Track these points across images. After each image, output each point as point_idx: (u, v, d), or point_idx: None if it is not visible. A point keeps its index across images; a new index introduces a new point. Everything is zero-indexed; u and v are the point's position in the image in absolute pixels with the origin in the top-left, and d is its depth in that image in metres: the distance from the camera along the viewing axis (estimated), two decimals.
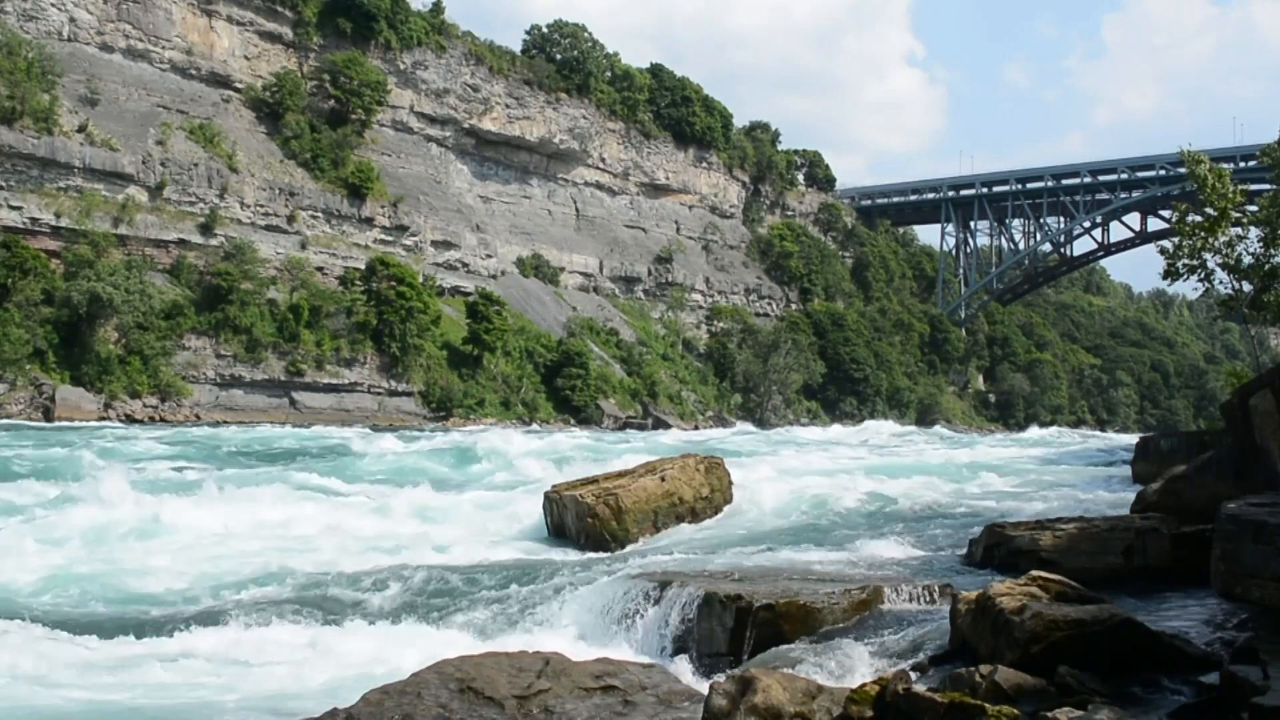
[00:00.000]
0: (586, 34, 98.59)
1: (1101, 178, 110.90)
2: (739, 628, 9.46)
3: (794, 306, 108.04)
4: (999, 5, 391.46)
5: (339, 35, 78.23)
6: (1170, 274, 27.84)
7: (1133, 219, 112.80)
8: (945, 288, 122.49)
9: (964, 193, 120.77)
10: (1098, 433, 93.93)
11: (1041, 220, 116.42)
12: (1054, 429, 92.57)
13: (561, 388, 76.77)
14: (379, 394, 67.88)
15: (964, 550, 12.83)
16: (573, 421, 74.52)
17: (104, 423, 49.52)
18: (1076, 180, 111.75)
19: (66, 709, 8.36)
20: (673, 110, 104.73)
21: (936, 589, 10.24)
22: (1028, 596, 7.70)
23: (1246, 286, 27.55)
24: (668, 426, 74.53)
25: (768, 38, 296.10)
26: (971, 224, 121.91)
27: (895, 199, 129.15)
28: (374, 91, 76.86)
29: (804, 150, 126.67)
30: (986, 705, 6.12)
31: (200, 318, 60.73)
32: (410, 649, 9.96)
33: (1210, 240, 26.60)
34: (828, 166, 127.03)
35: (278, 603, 11.94)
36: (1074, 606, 7.53)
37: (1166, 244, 29.23)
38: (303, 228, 70.33)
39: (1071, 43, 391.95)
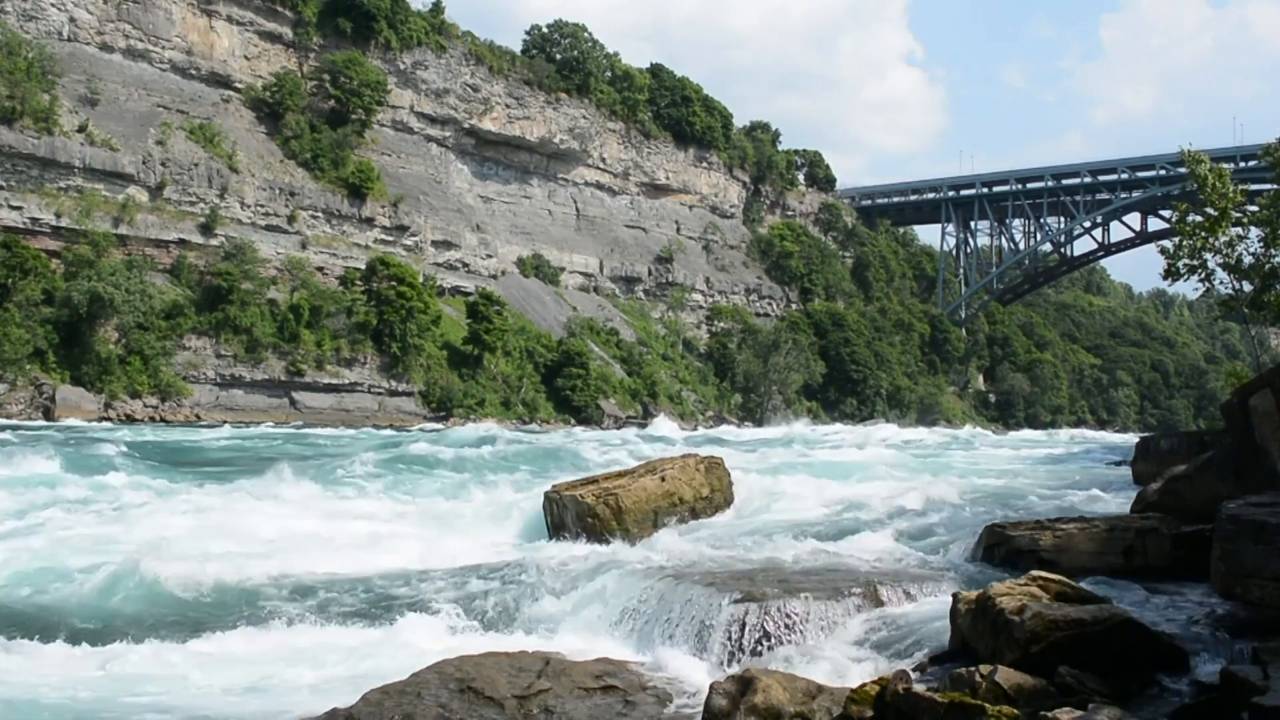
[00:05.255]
0: (586, 34, 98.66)
1: (1101, 178, 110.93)
2: (739, 627, 9.46)
3: (794, 306, 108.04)
4: (996, 6, 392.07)
5: (339, 35, 78.28)
6: (1170, 274, 27.84)
7: (1133, 219, 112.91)
8: (945, 288, 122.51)
9: (964, 193, 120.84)
10: (1099, 432, 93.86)
11: (1041, 220, 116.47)
12: (1058, 432, 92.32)
13: (562, 388, 76.77)
14: (379, 394, 67.90)
15: (964, 550, 12.82)
16: (573, 421, 74.51)
17: (105, 423, 49.53)
18: (1076, 180, 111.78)
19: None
20: (673, 110, 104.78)
21: (936, 589, 10.24)
22: (1028, 596, 7.70)
23: (1247, 286, 27.57)
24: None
25: (765, 38, 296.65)
26: (971, 224, 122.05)
27: (895, 199, 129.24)
28: (374, 91, 76.89)
29: (804, 150, 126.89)
30: (986, 705, 6.13)
31: (200, 318, 60.74)
32: (410, 649, 9.96)
33: (1210, 240, 26.60)
34: (828, 166, 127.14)
35: (275, 603, 11.95)
36: (1074, 606, 7.53)
37: (1167, 244, 29.23)
38: (303, 228, 70.35)
39: (1069, 43, 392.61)
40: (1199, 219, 27.23)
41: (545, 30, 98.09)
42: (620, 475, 17.20)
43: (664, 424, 69.83)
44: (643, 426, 73.18)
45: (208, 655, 10.08)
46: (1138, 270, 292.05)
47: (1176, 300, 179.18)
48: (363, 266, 70.80)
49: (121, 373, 55.60)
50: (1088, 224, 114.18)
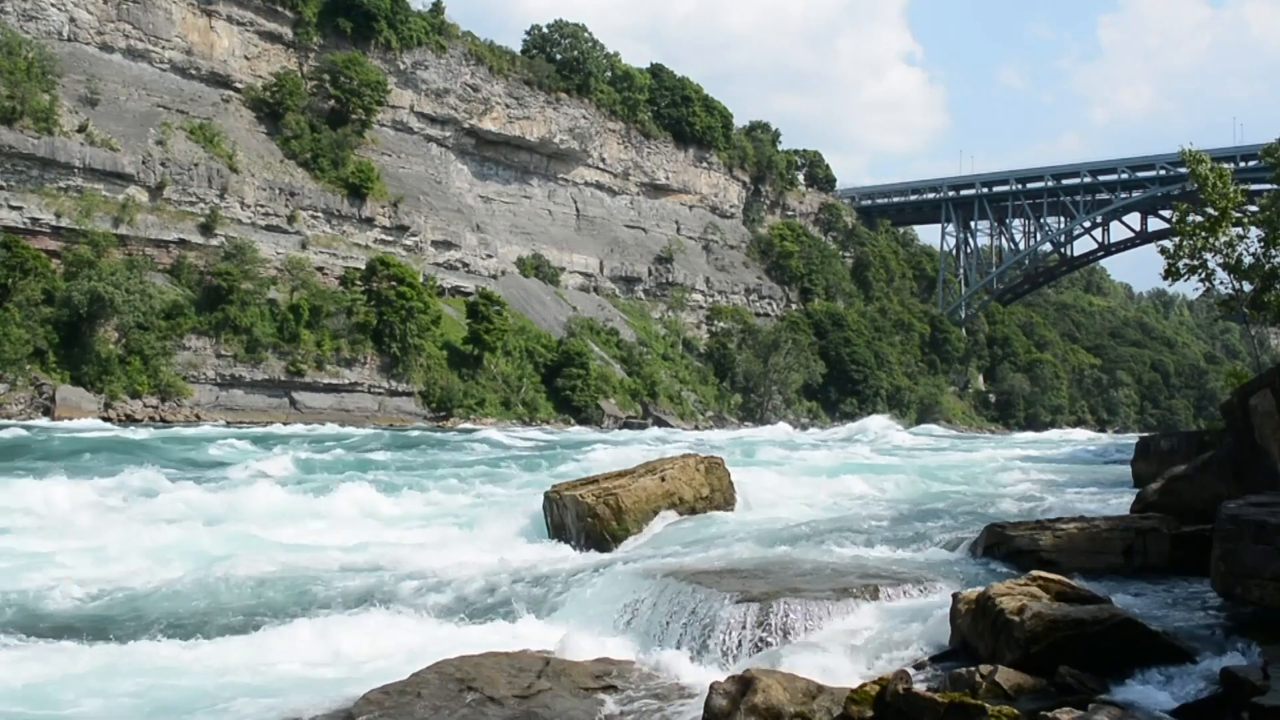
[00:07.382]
0: (586, 34, 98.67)
1: (1101, 178, 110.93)
2: (739, 627, 9.46)
3: (794, 306, 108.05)
4: (994, 6, 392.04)
5: (339, 35, 78.29)
6: (1171, 274, 27.84)
7: (1133, 219, 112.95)
8: (945, 288, 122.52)
9: (964, 193, 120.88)
10: (1101, 433, 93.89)
11: (1041, 220, 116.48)
12: (1060, 431, 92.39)
13: (562, 388, 76.78)
14: (379, 394, 67.91)
15: (964, 550, 12.82)
16: (573, 421, 74.52)
17: (106, 423, 49.48)
18: (1076, 180, 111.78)
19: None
20: (673, 110, 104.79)
21: (936, 589, 10.24)
22: (1028, 596, 7.70)
23: (1247, 286, 27.58)
24: (669, 427, 74.50)
25: (763, 38, 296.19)
26: (971, 224, 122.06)
27: (895, 199, 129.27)
28: (374, 91, 76.91)
29: (804, 150, 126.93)
30: (986, 705, 6.13)
31: (200, 318, 60.75)
32: (410, 649, 9.96)
33: (1211, 240, 26.61)
34: (828, 166, 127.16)
35: (270, 604, 11.95)
36: (1074, 606, 7.53)
37: (1167, 244, 29.20)
38: (303, 228, 70.35)
39: (1067, 44, 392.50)
40: (1199, 219, 27.23)
41: (545, 30, 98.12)
42: (620, 475, 17.19)
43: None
44: (642, 428, 73.27)
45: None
46: (1138, 270, 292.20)
47: (1176, 300, 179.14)
48: (363, 266, 70.80)
49: (121, 373, 55.60)
50: (1088, 224, 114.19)
